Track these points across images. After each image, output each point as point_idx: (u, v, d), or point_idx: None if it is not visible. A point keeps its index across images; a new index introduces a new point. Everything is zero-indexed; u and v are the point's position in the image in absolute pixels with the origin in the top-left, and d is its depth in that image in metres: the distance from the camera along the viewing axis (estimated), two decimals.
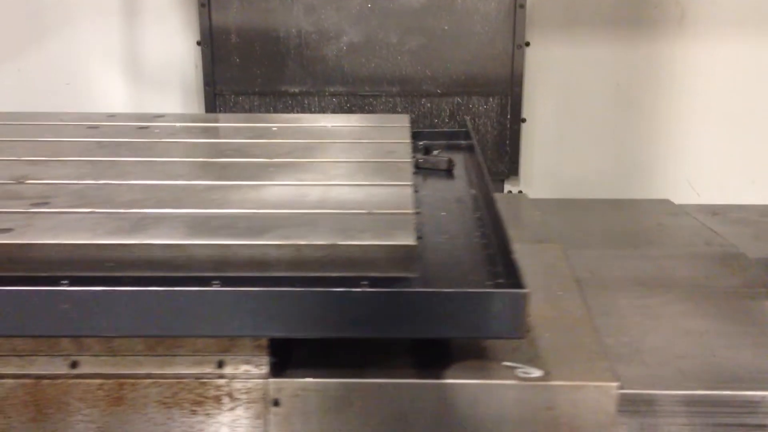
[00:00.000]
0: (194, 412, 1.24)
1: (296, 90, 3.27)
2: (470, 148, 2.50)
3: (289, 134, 2.17)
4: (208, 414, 1.25)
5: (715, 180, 3.30)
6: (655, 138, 3.29)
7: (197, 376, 1.24)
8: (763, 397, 1.34)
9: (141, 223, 1.28)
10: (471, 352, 1.34)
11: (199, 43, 3.28)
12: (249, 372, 1.23)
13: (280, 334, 1.15)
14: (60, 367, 1.24)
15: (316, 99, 3.29)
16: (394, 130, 2.28)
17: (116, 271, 1.17)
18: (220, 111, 3.31)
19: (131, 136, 2.12)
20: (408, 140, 2.10)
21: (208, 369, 1.24)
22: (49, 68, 3.36)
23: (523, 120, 3.27)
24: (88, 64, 3.37)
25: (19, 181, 1.56)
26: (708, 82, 3.21)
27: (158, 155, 1.86)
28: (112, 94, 3.40)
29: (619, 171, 3.32)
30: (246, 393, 1.24)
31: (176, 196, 1.47)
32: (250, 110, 3.31)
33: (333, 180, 1.63)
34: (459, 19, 3.18)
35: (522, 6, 3.12)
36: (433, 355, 1.33)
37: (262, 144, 2.03)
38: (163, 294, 1.12)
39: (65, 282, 1.14)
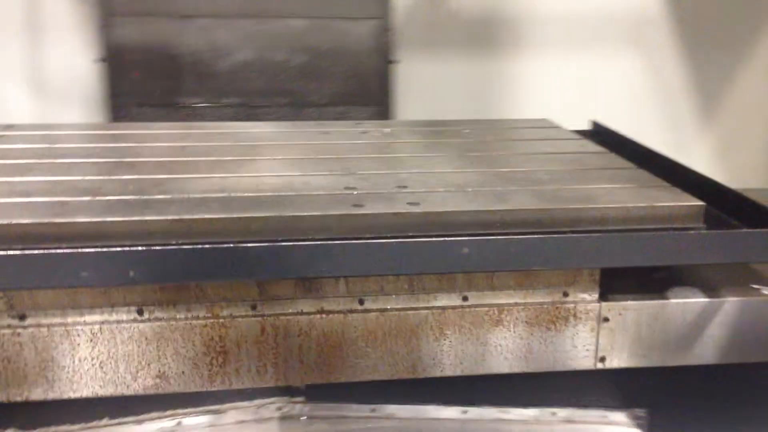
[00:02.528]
0: (548, 329, 1.67)
1: (193, 102, 3.63)
2: None
3: None
4: (558, 330, 1.67)
5: None
6: None
7: (552, 303, 1.67)
8: None
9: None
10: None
11: (101, 60, 3.58)
12: (585, 298, 1.67)
13: (610, 265, 1.59)
14: (455, 300, 1.65)
15: (212, 110, 3.66)
16: None
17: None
18: (122, 121, 3.60)
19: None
20: None
21: (558, 297, 1.67)
22: None
23: None
24: None
25: None
26: (541, 89, 3.88)
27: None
28: (14, 109, 3.62)
29: None
30: (584, 313, 1.67)
31: None
32: (152, 120, 3.63)
33: None
34: (337, 39, 3.67)
35: (391, 29, 3.67)
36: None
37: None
38: (536, 241, 1.53)
39: None
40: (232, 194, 1.66)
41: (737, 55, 3.97)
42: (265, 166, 1.89)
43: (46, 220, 1.48)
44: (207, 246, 1.43)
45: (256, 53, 3.62)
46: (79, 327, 1.54)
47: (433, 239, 1.50)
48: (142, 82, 3.57)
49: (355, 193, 1.68)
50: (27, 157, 1.92)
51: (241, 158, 1.95)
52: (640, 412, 1.77)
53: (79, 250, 1.42)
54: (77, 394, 1.56)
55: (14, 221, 1.47)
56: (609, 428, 1.75)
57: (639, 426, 1.76)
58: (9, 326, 1.52)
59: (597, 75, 3.91)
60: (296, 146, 2.11)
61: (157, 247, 1.44)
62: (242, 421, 1.67)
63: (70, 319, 1.54)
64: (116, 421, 1.64)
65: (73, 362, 1.55)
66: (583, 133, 2.40)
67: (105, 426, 1.63)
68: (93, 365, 1.56)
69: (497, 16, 3.82)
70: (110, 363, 1.56)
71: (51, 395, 1.56)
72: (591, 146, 2.18)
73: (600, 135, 2.39)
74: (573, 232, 1.59)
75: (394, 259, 1.48)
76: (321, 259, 1.45)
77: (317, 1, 3.60)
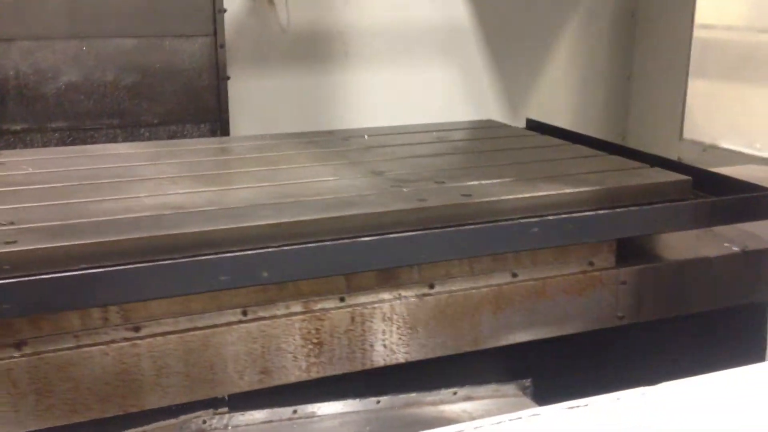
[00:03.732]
0: (580, 294, 1.92)
1: (18, 128, 3.47)
2: None
3: None
4: (586, 295, 1.93)
5: None
6: None
7: (581, 272, 1.92)
8: None
9: None
10: None
11: None
12: (606, 266, 1.93)
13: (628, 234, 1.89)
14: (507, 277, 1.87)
15: (39, 135, 3.52)
16: None
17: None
18: None
19: None
20: None
21: (585, 267, 1.93)
22: None
23: None
24: None
25: None
26: (370, 99, 4.10)
27: None
28: None
29: None
30: (606, 278, 1.93)
31: None
32: None
33: None
34: (169, 57, 3.66)
35: (222, 46, 3.71)
36: None
37: None
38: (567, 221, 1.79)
39: None
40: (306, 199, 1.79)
41: (539, 57, 4.42)
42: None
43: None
44: (329, 244, 1.59)
45: (83, 74, 3.52)
46: (191, 332, 1.58)
47: (506, 223, 1.77)
48: None
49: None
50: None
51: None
52: (526, 382, 2.00)
53: (219, 255, 1.50)
54: (190, 398, 1.62)
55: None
56: (501, 400, 1.96)
57: (526, 394, 1.99)
58: (125, 339, 1.56)
59: (416, 81, 4.19)
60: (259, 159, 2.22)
61: (287, 248, 1.56)
62: None
63: (182, 326, 1.59)
64: None
65: (186, 367, 1.58)
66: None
67: None
68: (204, 368, 1.61)
69: (325, 30, 3.98)
70: (220, 364, 1.62)
71: (165, 402, 1.60)
72: (553, 140, 2.51)
73: (539, 129, 2.71)
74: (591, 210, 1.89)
75: (463, 244, 1.71)
76: (399, 250, 1.64)
77: (146, 19, 3.57)
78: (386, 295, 1.76)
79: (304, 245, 1.58)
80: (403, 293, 1.78)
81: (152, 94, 3.65)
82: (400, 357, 1.79)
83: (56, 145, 3.53)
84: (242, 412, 1.75)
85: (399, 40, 4.10)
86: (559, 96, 4.51)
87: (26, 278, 1.39)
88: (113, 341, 1.56)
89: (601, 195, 1.92)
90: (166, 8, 3.59)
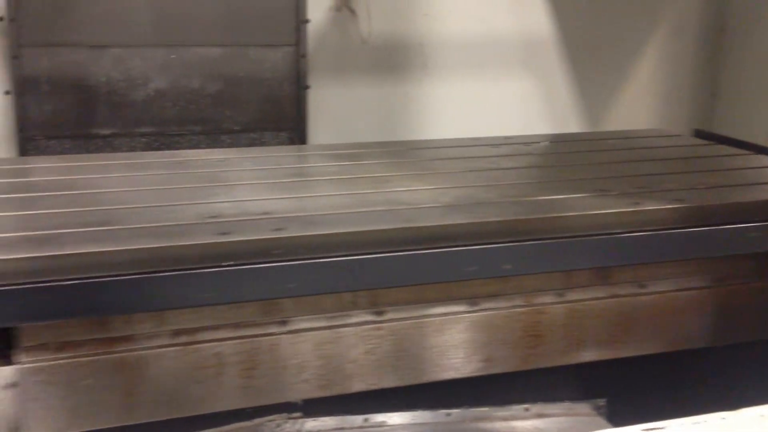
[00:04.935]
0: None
1: (107, 132, 3.60)
2: None
3: None
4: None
5: None
6: None
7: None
8: None
9: None
10: None
11: (7, 92, 3.49)
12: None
13: None
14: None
15: (127, 140, 3.64)
16: None
17: None
18: (31, 155, 3.52)
19: None
20: None
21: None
22: None
23: None
24: None
25: None
26: (447, 110, 4.11)
27: None
28: None
29: None
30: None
31: None
32: (62, 152, 3.56)
33: None
34: (251, 67, 3.74)
35: (304, 56, 3.78)
36: None
37: None
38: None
39: None
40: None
41: (621, 70, 4.35)
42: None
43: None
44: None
45: (170, 82, 3.63)
46: (426, 320, 1.71)
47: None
48: (53, 113, 3.50)
49: None
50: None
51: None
52: (601, 402, 1.97)
53: (462, 248, 1.59)
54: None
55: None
56: (574, 418, 1.94)
57: (600, 414, 1.96)
58: (368, 322, 1.70)
59: (493, 93, 4.17)
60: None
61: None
62: None
63: (416, 313, 1.72)
64: None
65: (419, 350, 1.72)
66: None
67: None
68: (435, 353, 1.72)
69: (404, 41, 4.01)
70: (451, 350, 1.72)
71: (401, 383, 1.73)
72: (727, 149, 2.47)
73: (710, 139, 2.69)
74: None
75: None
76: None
77: (232, 29, 3.66)
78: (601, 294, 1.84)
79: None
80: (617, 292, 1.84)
81: (235, 101, 3.74)
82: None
83: (143, 150, 3.65)
84: (314, 418, 1.78)
85: (478, 52, 4.09)
86: (640, 111, 4.43)
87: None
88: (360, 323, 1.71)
89: None
90: (251, 18, 3.68)
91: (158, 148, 3.66)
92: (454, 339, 1.73)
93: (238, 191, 1.87)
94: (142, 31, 3.55)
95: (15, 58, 3.42)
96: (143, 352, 1.56)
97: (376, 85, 4.01)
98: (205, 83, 3.69)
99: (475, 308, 1.74)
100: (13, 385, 1.46)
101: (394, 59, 4.01)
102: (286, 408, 1.75)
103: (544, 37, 4.18)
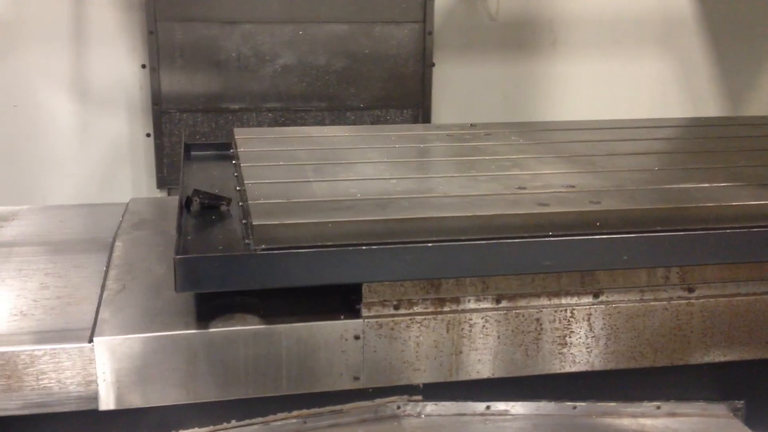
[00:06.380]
0: None
1: (236, 107, 3.68)
2: None
3: None
4: None
5: None
6: None
7: None
8: None
9: None
10: None
11: (144, 66, 3.62)
12: None
13: None
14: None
15: (254, 114, 3.70)
16: None
17: None
18: (165, 128, 3.63)
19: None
20: None
21: None
22: None
23: None
24: (36, 86, 3.60)
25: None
26: (575, 90, 3.97)
27: None
28: (59, 114, 3.64)
29: None
30: None
31: None
32: (194, 126, 3.67)
33: None
34: (377, 44, 3.73)
35: (430, 33, 3.73)
36: None
37: None
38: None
39: None
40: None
41: (764, 54, 4.08)
42: None
43: None
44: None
45: (297, 58, 3.67)
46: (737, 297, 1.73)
47: None
48: (185, 87, 3.60)
49: None
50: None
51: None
52: (739, 403, 1.85)
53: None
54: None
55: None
56: (709, 420, 1.83)
57: (737, 416, 1.84)
58: (681, 297, 1.70)
59: (626, 73, 4.00)
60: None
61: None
62: (364, 420, 1.72)
63: (728, 291, 1.72)
64: (243, 422, 1.68)
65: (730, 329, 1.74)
66: None
67: (233, 428, 1.68)
68: (744, 331, 1.74)
69: (533, 18, 3.89)
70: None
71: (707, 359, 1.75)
72: None
73: None
74: None
75: None
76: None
77: (359, 5, 3.65)
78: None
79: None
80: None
81: (359, 78, 3.74)
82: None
83: (269, 125, 3.71)
84: (435, 402, 1.75)
85: (610, 30, 3.93)
86: None
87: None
88: (671, 299, 1.70)
89: None
90: None
91: (284, 124, 3.72)
92: None
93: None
94: (272, 7, 3.59)
95: (151, 33, 3.53)
96: (469, 314, 1.64)
97: (503, 63, 3.91)
98: (331, 60, 3.70)
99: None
100: (357, 336, 1.59)
101: (522, 36, 3.90)
102: (407, 390, 1.72)
103: (684, 14, 3.97)
